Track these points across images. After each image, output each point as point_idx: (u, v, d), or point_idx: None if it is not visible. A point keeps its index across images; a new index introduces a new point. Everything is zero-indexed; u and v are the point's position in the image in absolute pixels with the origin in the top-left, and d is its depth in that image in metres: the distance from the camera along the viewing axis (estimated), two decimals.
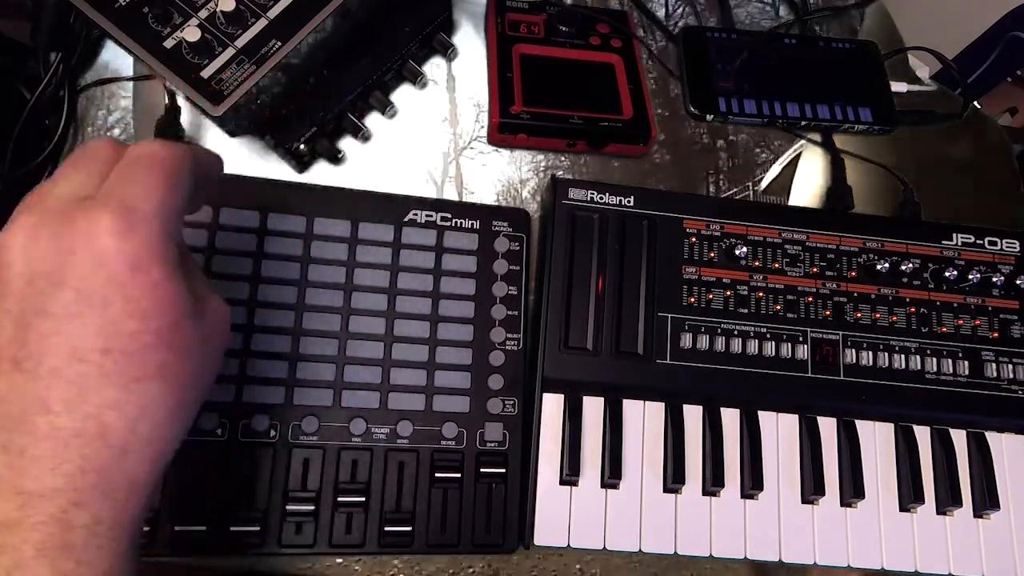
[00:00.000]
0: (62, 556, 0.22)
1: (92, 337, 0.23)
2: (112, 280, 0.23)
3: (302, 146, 0.45)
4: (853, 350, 0.45)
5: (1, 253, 0.23)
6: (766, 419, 0.44)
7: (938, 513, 0.44)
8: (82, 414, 0.23)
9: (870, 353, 0.45)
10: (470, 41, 0.53)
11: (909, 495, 0.44)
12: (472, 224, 0.45)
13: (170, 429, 0.25)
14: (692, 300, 0.45)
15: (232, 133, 0.42)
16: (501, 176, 0.51)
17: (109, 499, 0.23)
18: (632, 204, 0.46)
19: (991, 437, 0.46)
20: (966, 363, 0.46)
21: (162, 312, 0.24)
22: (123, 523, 0.24)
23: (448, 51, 0.51)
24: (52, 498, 0.22)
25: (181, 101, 0.45)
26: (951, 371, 0.46)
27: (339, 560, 0.40)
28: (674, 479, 0.42)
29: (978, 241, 0.49)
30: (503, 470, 0.41)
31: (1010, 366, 0.46)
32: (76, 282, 0.23)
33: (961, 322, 0.47)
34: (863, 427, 0.45)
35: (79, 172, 0.25)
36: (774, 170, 0.55)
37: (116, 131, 0.47)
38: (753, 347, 0.44)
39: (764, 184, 0.54)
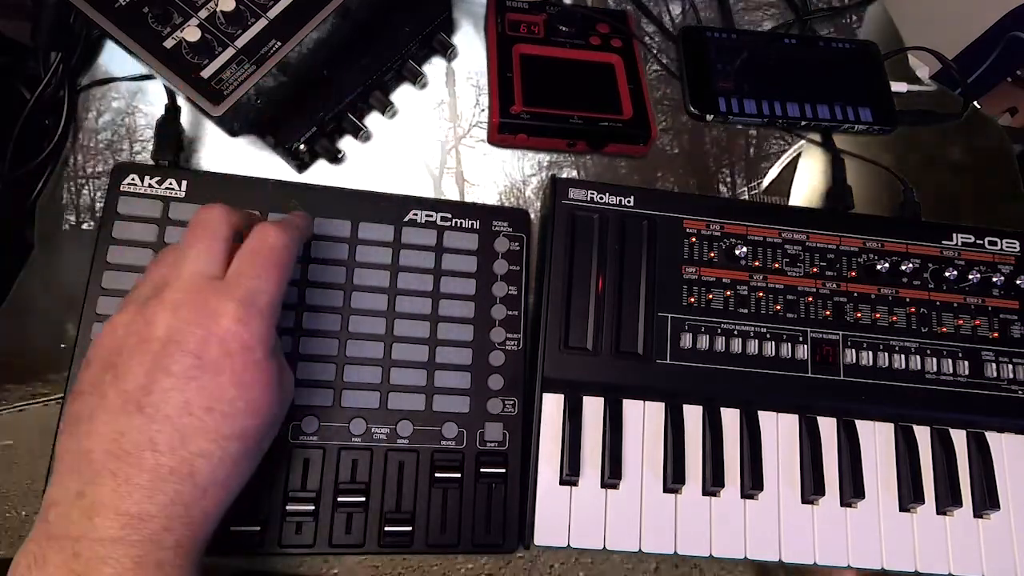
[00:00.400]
0: (153, 569, 0.26)
1: (201, 397, 0.28)
2: (227, 356, 0.29)
3: (302, 146, 0.45)
4: (853, 350, 0.45)
5: (143, 321, 0.29)
6: (766, 419, 0.44)
7: (938, 513, 0.44)
8: (180, 457, 0.28)
9: (870, 353, 0.45)
10: (470, 41, 0.53)
11: (909, 495, 0.44)
12: (472, 224, 0.45)
13: (238, 479, 0.31)
14: (692, 300, 0.45)
15: (232, 133, 0.42)
16: (501, 176, 0.51)
17: (188, 528, 0.28)
18: (632, 204, 0.46)
19: (991, 437, 0.46)
20: (966, 363, 0.46)
21: (257, 386, 0.30)
22: (196, 548, 0.29)
23: (448, 51, 0.51)
24: (148, 522, 0.27)
25: (181, 101, 0.45)
26: (951, 371, 0.46)
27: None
28: (674, 479, 0.42)
29: (978, 241, 0.49)
30: (503, 470, 0.41)
31: (1010, 366, 0.46)
32: (198, 352, 0.29)
33: (961, 322, 0.47)
34: (863, 427, 0.45)
35: (208, 252, 0.31)
36: (774, 170, 0.55)
37: (109, 132, 0.47)
38: (753, 347, 0.44)
39: (764, 184, 0.54)
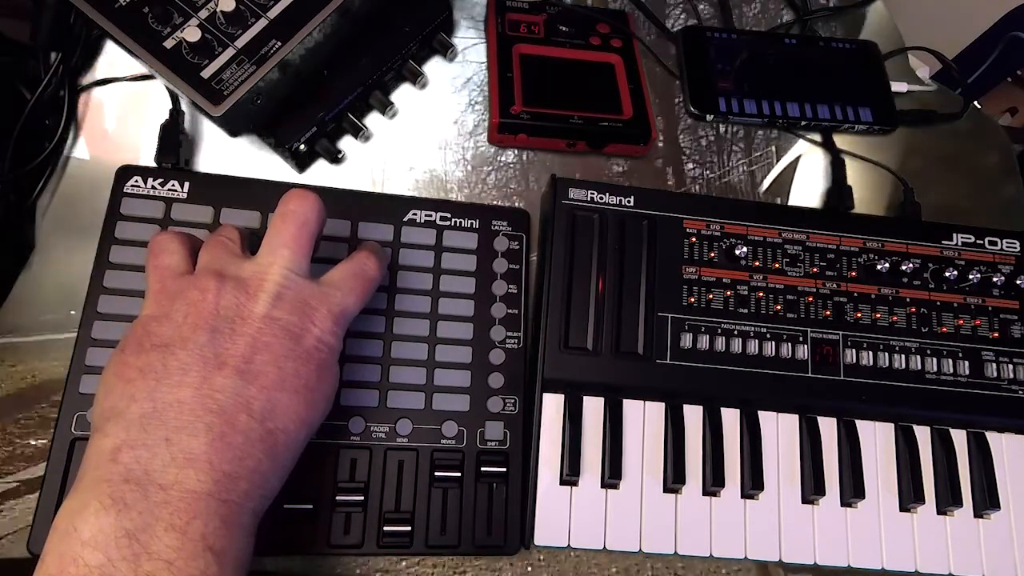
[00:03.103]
0: (236, 533, 0.27)
1: (294, 379, 0.30)
2: (317, 350, 0.32)
3: (302, 146, 0.45)
4: (853, 350, 0.45)
5: (252, 298, 0.31)
6: (766, 419, 0.44)
7: (938, 513, 0.44)
8: (268, 428, 0.29)
9: (870, 353, 0.45)
10: (470, 41, 0.53)
11: (909, 495, 0.44)
12: (472, 223, 0.45)
13: (292, 467, 0.32)
14: (692, 300, 0.45)
15: (232, 133, 0.42)
16: (501, 175, 0.51)
17: (262, 500, 0.29)
18: (632, 204, 0.46)
19: (991, 437, 0.46)
20: (966, 363, 0.46)
21: (327, 386, 0.33)
22: (257, 522, 0.29)
23: (448, 51, 0.51)
24: (238, 482, 0.27)
25: (182, 101, 0.45)
26: (951, 371, 0.46)
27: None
28: (674, 479, 0.42)
29: (978, 241, 0.49)
30: (503, 470, 0.41)
31: (1010, 366, 0.46)
32: (296, 338, 0.31)
33: (961, 322, 0.47)
34: (863, 427, 0.45)
35: (304, 254, 0.34)
36: (775, 170, 0.55)
37: (109, 132, 0.47)
38: (753, 347, 0.44)
39: (765, 184, 0.54)
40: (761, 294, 0.45)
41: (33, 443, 0.40)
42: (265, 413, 0.29)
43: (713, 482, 0.42)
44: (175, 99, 0.45)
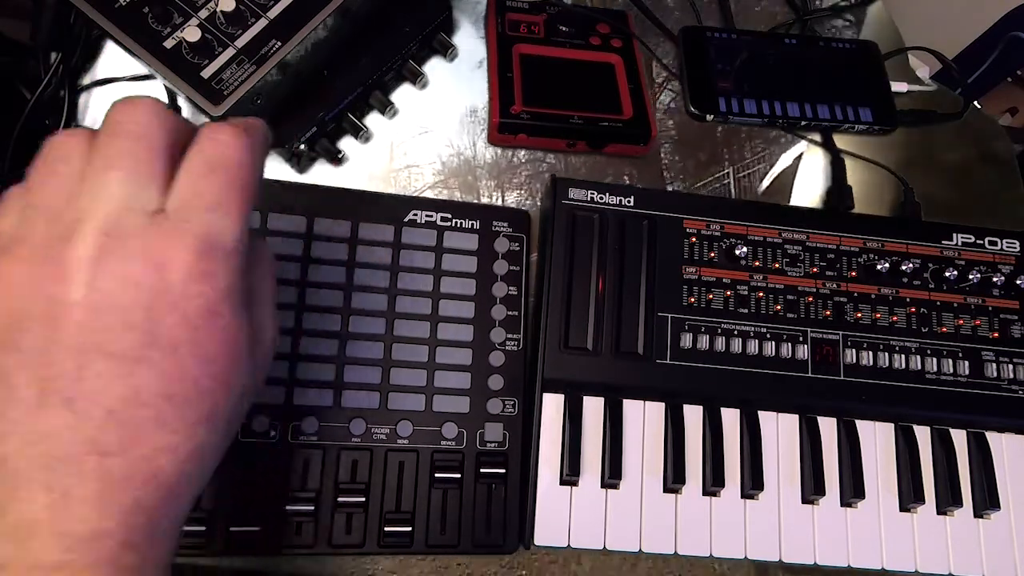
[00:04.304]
0: None
1: (156, 382, 0.22)
2: (184, 324, 0.22)
3: (302, 146, 0.45)
4: (853, 350, 0.45)
5: (65, 275, 0.21)
6: (766, 419, 0.44)
7: (938, 513, 0.44)
8: (136, 456, 0.21)
9: (870, 353, 0.45)
10: (470, 41, 0.53)
11: (909, 495, 0.44)
12: (472, 224, 0.45)
13: (211, 468, 0.24)
14: (692, 300, 0.45)
15: None
16: (501, 176, 0.51)
17: (156, 539, 0.22)
18: (632, 204, 0.46)
19: (991, 437, 0.46)
20: (966, 363, 0.46)
21: (224, 357, 0.23)
22: (164, 560, 0.23)
23: (448, 51, 0.51)
24: (102, 540, 0.21)
25: (181, 101, 0.45)
26: (951, 371, 0.46)
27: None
28: (674, 479, 0.42)
29: (978, 241, 0.49)
30: (503, 470, 0.41)
31: (1010, 366, 0.46)
32: (146, 324, 0.21)
33: (961, 322, 0.47)
34: (863, 427, 0.45)
35: (140, 173, 0.22)
36: (775, 170, 0.55)
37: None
38: (753, 347, 0.44)
39: (765, 184, 0.54)
40: (761, 294, 0.45)
41: None
42: (126, 442, 0.21)
43: (713, 482, 0.42)
44: (172, 96, 0.45)
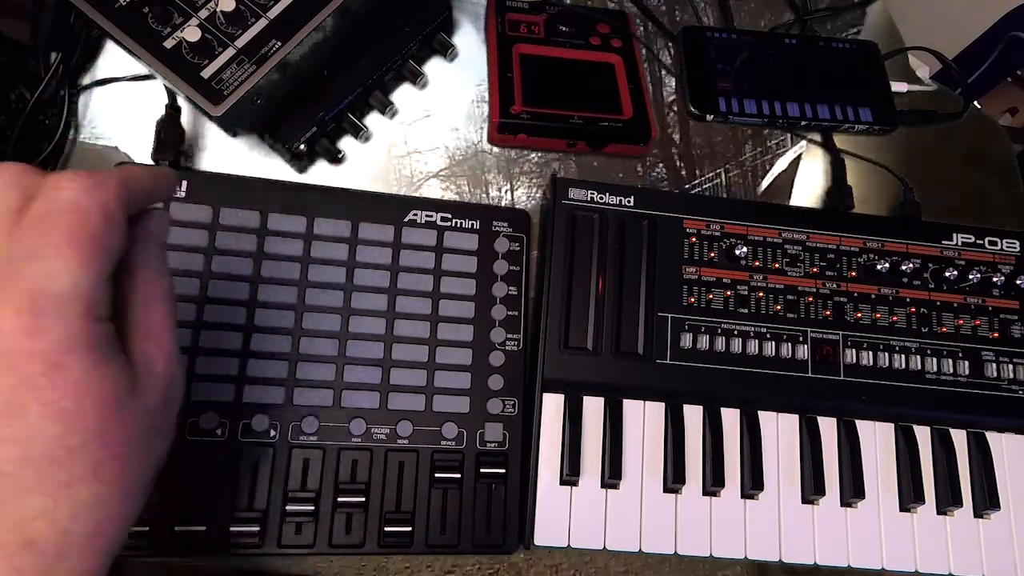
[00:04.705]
0: None
1: (7, 448, 0.20)
2: (25, 384, 0.20)
3: (302, 146, 0.45)
4: (853, 350, 0.45)
5: None
6: (766, 419, 0.44)
7: (938, 513, 0.44)
8: (4, 526, 0.20)
9: (870, 353, 0.45)
10: (470, 41, 0.53)
11: (909, 495, 0.44)
12: (472, 224, 0.45)
13: (115, 521, 0.23)
14: (692, 300, 0.45)
15: (232, 133, 0.42)
16: (501, 176, 0.51)
17: None
18: (632, 204, 0.46)
19: (991, 437, 0.46)
20: (966, 363, 0.46)
21: (88, 409, 0.22)
22: None
23: (448, 51, 0.51)
24: None
25: (181, 101, 0.45)
26: (951, 371, 0.46)
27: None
28: (674, 479, 0.42)
29: (978, 241, 0.49)
30: (503, 470, 0.41)
31: (1010, 366, 0.46)
32: None
33: (961, 322, 0.47)
34: (863, 427, 0.45)
35: None
36: (774, 170, 0.55)
37: (109, 132, 0.47)
38: (753, 347, 0.44)
39: (765, 184, 0.54)
40: (761, 294, 0.45)
41: None
42: None
43: (713, 482, 0.42)
44: (172, 96, 0.45)
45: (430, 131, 0.51)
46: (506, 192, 0.50)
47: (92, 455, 0.22)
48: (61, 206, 0.22)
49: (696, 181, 0.53)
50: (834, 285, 0.46)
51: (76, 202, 0.22)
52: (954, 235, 0.49)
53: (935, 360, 0.46)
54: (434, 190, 0.49)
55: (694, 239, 0.46)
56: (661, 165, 0.53)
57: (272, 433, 0.39)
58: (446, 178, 0.50)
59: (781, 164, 0.55)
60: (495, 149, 0.51)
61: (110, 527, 0.23)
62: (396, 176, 0.49)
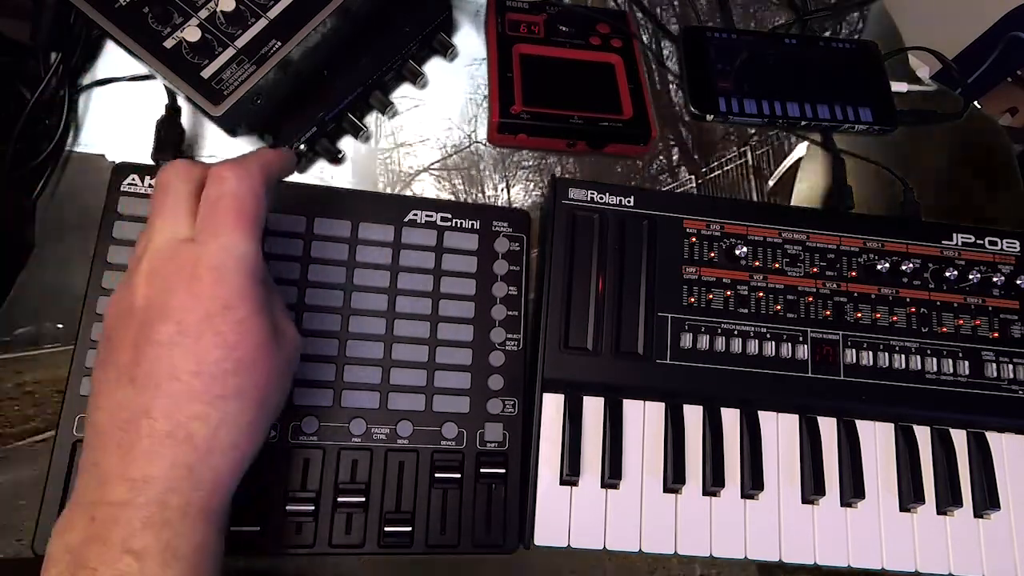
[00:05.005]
0: (163, 529, 0.27)
1: (187, 362, 0.28)
2: (206, 318, 0.29)
3: (302, 146, 0.45)
4: (853, 350, 0.45)
5: (127, 294, 0.30)
6: (766, 419, 0.44)
7: (938, 513, 0.44)
8: (174, 421, 0.28)
9: (870, 353, 0.45)
10: (470, 41, 0.53)
11: (909, 495, 0.44)
12: (472, 224, 0.45)
13: (247, 438, 0.30)
14: (692, 300, 0.45)
15: (232, 133, 0.42)
16: (501, 176, 0.51)
17: (197, 489, 0.28)
18: (632, 204, 0.46)
19: (991, 437, 0.46)
20: (966, 363, 0.46)
21: (243, 344, 0.29)
22: (210, 508, 0.29)
23: (448, 51, 0.51)
24: (152, 484, 0.27)
25: (181, 101, 0.45)
26: (951, 371, 0.46)
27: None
28: (674, 479, 0.42)
29: (978, 241, 0.49)
30: (503, 470, 0.41)
31: (1010, 366, 0.46)
32: (178, 317, 0.28)
33: (961, 322, 0.47)
34: (863, 427, 0.45)
35: (173, 215, 0.30)
36: (775, 171, 0.55)
37: (109, 132, 0.46)
38: (753, 347, 0.44)
39: (765, 184, 0.54)
40: (761, 294, 0.45)
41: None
42: (168, 410, 0.28)
43: (713, 482, 0.42)
44: (172, 96, 0.45)
45: (423, 127, 0.51)
46: (503, 191, 0.50)
47: (240, 380, 0.29)
48: (225, 194, 0.30)
49: (696, 181, 0.53)
50: (834, 285, 0.46)
51: (236, 190, 0.30)
52: (954, 235, 0.49)
53: (935, 360, 0.46)
54: (427, 187, 0.49)
55: (694, 239, 0.46)
56: (657, 164, 0.53)
57: (272, 433, 0.39)
58: (439, 173, 0.50)
59: (781, 164, 0.55)
60: (490, 147, 0.51)
61: (243, 442, 0.30)
62: (385, 172, 0.49)
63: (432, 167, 0.50)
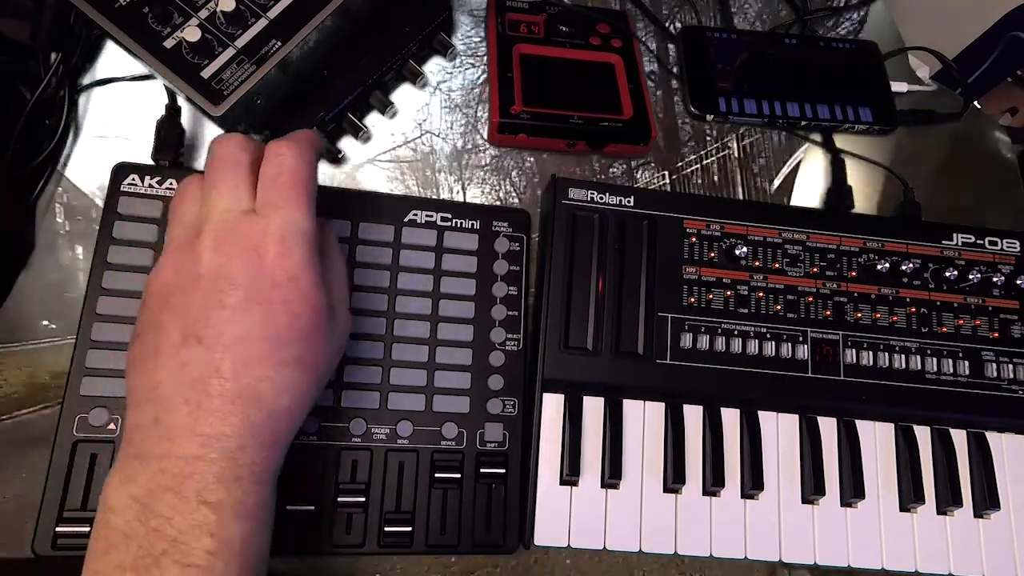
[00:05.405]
0: (233, 485, 0.28)
1: (256, 326, 0.30)
2: (275, 287, 0.30)
3: None
4: (853, 350, 0.45)
5: (190, 262, 0.31)
6: (766, 419, 0.44)
7: (938, 513, 0.44)
8: (244, 382, 0.29)
9: (870, 353, 0.45)
10: (470, 41, 0.53)
11: (909, 495, 0.44)
12: (472, 224, 0.45)
13: (300, 406, 0.32)
14: (692, 300, 0.45)
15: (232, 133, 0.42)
16: (501, 176, 0.51)
17: (261, 449, 0.30)
18: (632, 204, 0.46)
19: (991, 437, 0.46)
20: (966, 363, 0.46)
21: (305, 314, 0.31)
22: (269, 469, 0.30)
23: (448, 51, 0.51)
24: (223, 441, 0.29)
25: (181, 101, 0.45)
26: (951, 371, 0.46)
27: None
28: (674, 479, 0.42)
29: (978, 241, 0.49)
30: (503, 470, 0.41)
31: (1010, 366, 0.46)
32: (247, 283, 0.30)
33: (961, 322, 0.47)
34: (863, 427, 0.45)
35: (235, 187, 0.32)
36: (775, 171, 0.55)
37: (109, 132, 0.46)
38: (753, 347, 0.44)
39: (765, 185, 0.54)
40: (761, 294, 0.45)
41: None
42: (236, 370, 0.29)
43: (713, 482, 0.42)
44: (172, 96, 0.45)
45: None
46: (457, 193, 0.50)
47: (300, 349, 0.31)
48: (285, 170, 0.32)
49: (696, 181, 0.53)
50: (834, 285, 0.46)
51: (294, 167, 0.32)
52: (954, 235, 0.49)
53: (935, 360, 0.46)
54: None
55: (694, 239, 0.46)
56: (659, 165, 0.53)
57: None
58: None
59: (781, 164, 0.55)
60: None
61: (296, 410, 0.32)
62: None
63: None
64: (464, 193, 0.50)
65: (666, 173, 0.53)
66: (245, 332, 0.30)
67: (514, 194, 0.50)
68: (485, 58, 0.53)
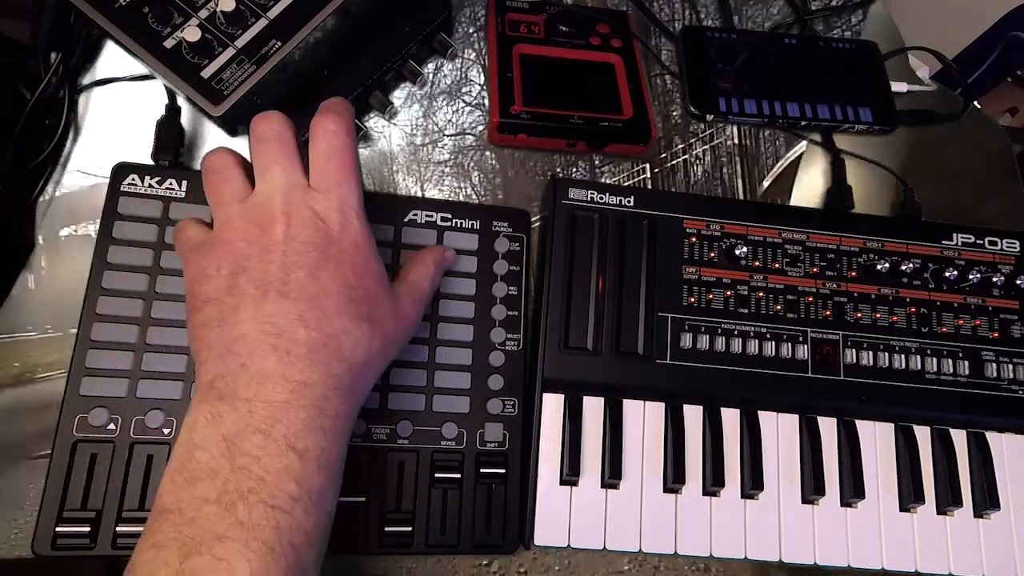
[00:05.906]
0: (319, 434, 0.30)
1: (331, 282, 0.32)
2: (342, 252, 0.33)
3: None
4: (853, 350, 0.45)
5: (268, 227, 0.32)
6: (766, 419, 0.44)
7: (938, 513, 0.44)
8: (326, 333, 0.31)
9: (870, 353, 0.45)
10: (470, 41, 0.53)
11: (909, 495, 0.44)
12: (472, 224, 0.45)
13: (372, 364, 0.34)
14: (692, 300, 0.45)
15: (232, 133, 0.42)
16: (501, 176, 0.51)
17: (343, 400, 0.32)
18: (632, 204, 0.46)
19: (991, 437, 0.46)
20: (966, 363, 0.46)
21: (369, 276, 0.34)
22: (349, 424, 0.32)
23: (448, 51, 0.51)
24: (312, 388, 0.30)
25: (181, 101, 0.45)
26: (951, 371, 0.46)
27: None
28: (674, 479, 0.42)
29: (978, 241, 0.49)
30: (503, 470, 0.41)
31: (1010, 366, 0.46)
32: (320, 248, 0.33)
33: (961, 322, 0.47)
34: (863, 427, 0.45)
35: (292, 164, 0.34)
36: (775, 171, 0.55)
37: (109, 132, 0.46)
38: (753, 347, 0.44)
39: (765, 184, 0.54)
40: (761, 294, 0.45)
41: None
42: (320, 321, 0.31)
43: (713, 482, 0.42)
44: (172, 96, 0.45)
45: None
46: (416, 192, 0.50)
47: (368, 309, 0.34)
48: (336, 149, 0.34)
49: (696, 181, 0.53)
50: (834, 285, 0.46)
51: (343, 145, 0.35)
52: (954, 235, 0.49)
53: (935, 360, 0.46)
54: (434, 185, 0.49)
55: (694, 239, 0.46)
56: (659, 165, 0.53)
57: None
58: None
59: (781, 164, 0.55)
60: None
61: (370, 368, 0.34)
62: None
63: (432, 170, 0.50)
64: (423, 191, 0.50)
65: (655, 169, 0.53)
66: (323, 288, 0.32)
67: (514, 194, 0.50)
68: (485, 58, 0.53)
